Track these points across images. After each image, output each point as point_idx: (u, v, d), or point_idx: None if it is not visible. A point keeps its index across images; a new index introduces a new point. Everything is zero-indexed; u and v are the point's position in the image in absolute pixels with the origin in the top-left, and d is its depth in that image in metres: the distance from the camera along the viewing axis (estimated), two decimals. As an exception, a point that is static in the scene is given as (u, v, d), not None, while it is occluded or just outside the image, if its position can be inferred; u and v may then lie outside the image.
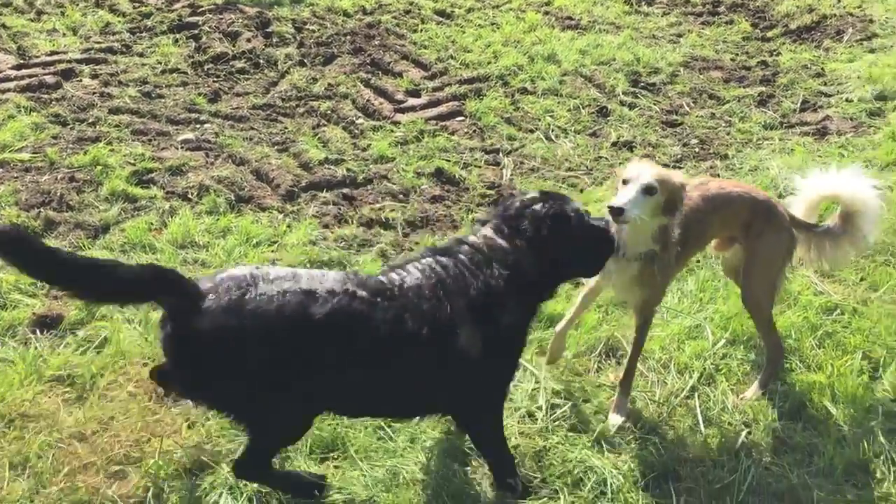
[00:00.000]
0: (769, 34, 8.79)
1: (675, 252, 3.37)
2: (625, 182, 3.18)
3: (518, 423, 3.38)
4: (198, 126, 6.31)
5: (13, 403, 3.37)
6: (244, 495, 2.96)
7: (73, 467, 3.09)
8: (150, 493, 2.99)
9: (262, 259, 4.54)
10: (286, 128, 6.42)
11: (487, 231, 2.99)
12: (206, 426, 3.33)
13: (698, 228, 3.48)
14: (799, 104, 6.98)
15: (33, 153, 5.59)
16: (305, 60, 7.72)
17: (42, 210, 4.87)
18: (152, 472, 3.06)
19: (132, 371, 3.61)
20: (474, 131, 6.48)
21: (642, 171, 3.17)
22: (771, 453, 3.31)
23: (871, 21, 8.74)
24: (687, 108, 7.03)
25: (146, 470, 3.07)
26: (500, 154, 6.10)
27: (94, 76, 7.07)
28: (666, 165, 5.93)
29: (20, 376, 3.51)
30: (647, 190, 3.11)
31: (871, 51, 8.01)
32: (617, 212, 3.04)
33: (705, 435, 3.39)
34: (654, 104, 7.08)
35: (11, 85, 6.70)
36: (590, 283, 3.62)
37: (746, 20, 9.13)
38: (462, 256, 2.91)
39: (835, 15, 8.96)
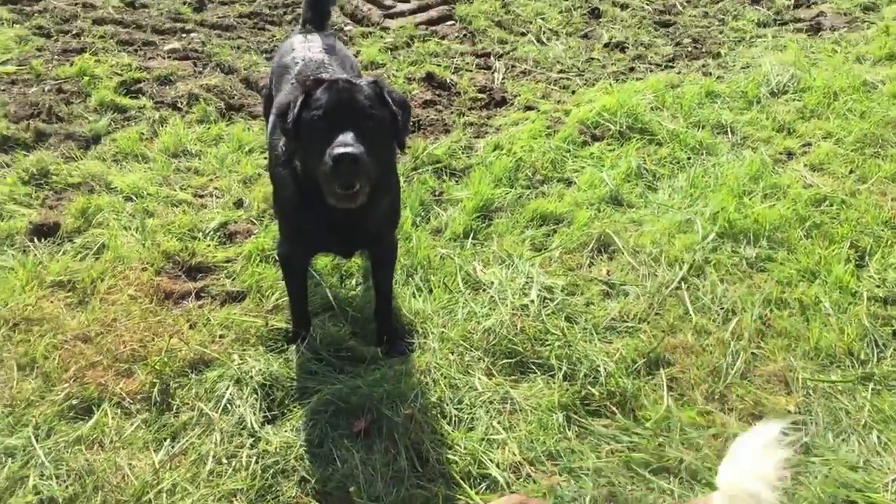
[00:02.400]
0: (764, -70, 8.58)
1: None
2: None
3: (511, 314, 3.45)
4: (184, 35, 6.22)
5: (16, 308, 3.42)
6: (249, 387, 3.05)
7: (79, 366, 3.16)
8: (156, 389, 3.08)
9: (256, 165, 4.55)
10: (274, 36, 6.33)
11: None
12: (208, 326, 3.40)
13: None
14: (793, 1, 6.88)
15: (18, 66, 5.53)
16: (291, -34, 7.54)
17: (31, 122, 4.83)
18: (158, 369, 3.14)
19: (132, 275, 3.66)
20: (465, 35, 6.40)
21: None
22: (758, 339, 3.41)
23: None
24: (680, 8, 6.92)
25: (152, 367, 3.15)
26: (492, 58, 6.04)
27: (76, -14, 6.91)
28: (658, 65, 5.91)
29: (21, 282, 3.56)
30: None
31: (868, -55, 7.84)
32: None
33: (695, 323, 3.48)
34: (647, 4, 6.97)
35: (-9, -3, 6.57)
36: None
37: (741, -84, 8.89)
38: None
39: None
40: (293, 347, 3.27)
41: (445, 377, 3.18)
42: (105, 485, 2.72)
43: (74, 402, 3.03)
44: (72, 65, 5.50)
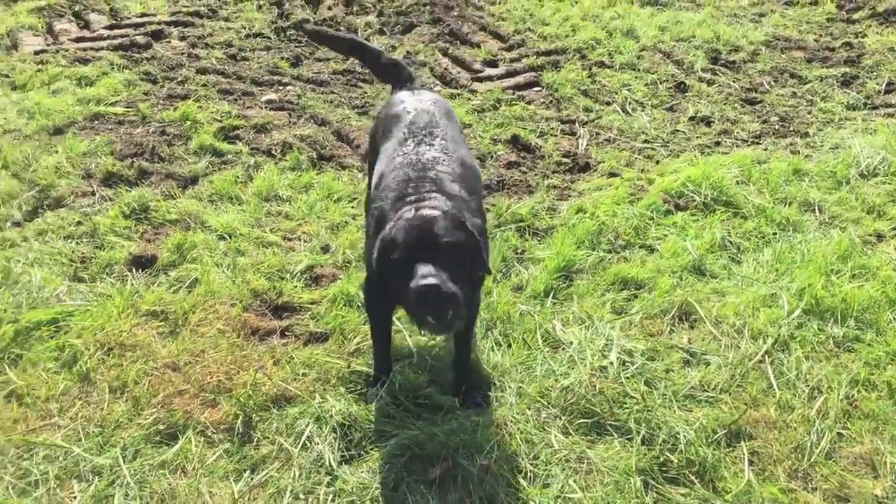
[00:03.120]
0: (855, 16, 8.57)
1: None
2: None
3: (590, 375, 3.44)
4: (281, 88, 6.49)
5: (111, 333, 3.57)
6: (328, 426, 3.10)
7: (168, 393, 3.27)
8: (239, 421, 3.15)
9: (343, 213, 4.69)
10: (365, 92, 6.56)
11: None
12: (291, 364, 3.48)
13: None
14: (884, 86, 6.82)
15: (126, 107, 5.85)
16: (385, 29, 7.86)
17: (135, 160, 5.10)
18: (242, 402, 3.22)
19: (221, 310, 3.79)
20: (551, 102, 6.52)
21: None
22: (844, 419, 3.31)
23: (964, 4, 8.46)
24: (767, 87, 6.93)
25: (236, 399, 3.23)
26: (577, 124, 6.13)
27: (182, 38, 7.33)
28: (744, 141, 5.91)
29: (118, 309, 3.71)
30: None
31: (963, 34, 7.77)
32: None
33: (778, 398, 3.40)
34: (734, 81, 7.00)
35: (105, 44, 7.01)
36: None
37: (832, 1, 8.92)
38: None
39: (926, -3, 8.69)
40: (373, 391, 3.31)
41: (522, 432, 3.18)
42: (186, 509, 2.79)
43: (161, 427, 3.13)
44: (175, 109, 5.80)
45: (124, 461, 2.97)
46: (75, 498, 2.84)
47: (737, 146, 5.81)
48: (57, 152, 5.12)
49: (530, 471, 3.02)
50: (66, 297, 3.82)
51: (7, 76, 6.24)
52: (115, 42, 7.03)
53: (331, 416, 3.15)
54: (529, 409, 3.31)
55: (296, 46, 7.40)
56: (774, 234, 4.57)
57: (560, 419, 3.27)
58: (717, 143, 5.86)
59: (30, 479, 2.89)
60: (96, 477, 2.92)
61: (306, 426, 3.12)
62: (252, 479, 2.94)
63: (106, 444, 3.06)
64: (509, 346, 3.69)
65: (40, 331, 3.60)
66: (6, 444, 3.02)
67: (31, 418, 3.17)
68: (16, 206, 4.58)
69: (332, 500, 2.85)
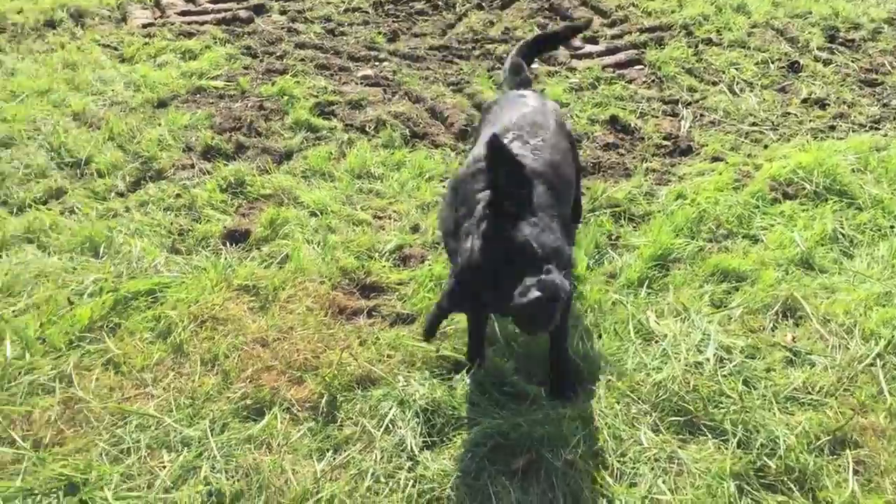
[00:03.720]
0: None
1: None
2: None
3: (684, 370, 3.29)
4: (377, 63, 6.47)
5: (205, 306, 3.63)
6: (412, 410, 3.07)
7: (256, 368, 3.30)
8: (324, 400, 3.16)
9: (434, 192, 4.63)
10: (461, 69, 6.46)
11: None
12: (377, 345, 3.46)
13: None
14: None
15: (227, 82, 5.93)
16: (483, 4, 7.73)
17: (233, 134, 5.17)
18: (327, 381, 3.22)
19: (310, 287, 3.80)
20: (653, 81, 6.28)
21: None
22: (963, 432, 3.08)
23: None
24: (889, 67, 6.48)
25: (322, 378, 3.24)
26: (680, 105, 5.88)
27: (283, 12, 7.39)
28: (862, 126, 5.55)
29: (212, 283, 3.77)
30: None
31: None
32: None
33: (889, 405, 3.18)
34: (852, 61, 6.58)
35: (209, 17, 7.13)
36: None
37: (965, -26, 8.28)
38: None
39: None
40: (458, 376, 3.26)
41: (609, 427, 3.08)
42: (269, 486, 2.81)
43: (248, 402, 3.16)
44: (273, 84, 5.85)
45: (212, 434, 3.01)
46: (164, 467, 2.89)
47: (853, 131, 5.46)
48: (160, 125, 5.25)
49: (617, 468, 2.92)
50: (164, 269, 3.91)
51: (116, 49, 6.43)
52: (219, 16, 7.15)
53: (414, 400, 3.12)
54: (618, 403, 3.20)
55: (393, 21, 7.36)
56: (892, 227, 4.27)
57: (650, 416, 3.15)
58: (832, 128, 5.52)
59: (122, 447, 2.97)
60: (185, 448, 2.97)
61: (389, 409, 3.10)
62: (334, 459, 2.94)
63: (196, 415, 3.12)
64: (599, 336, 3.57)
65: (138, 301, 3.69)
66: (102, 412, 3.11)
67: (127, 387, 3.25)
68: (120, 176, 4.71)
69: (413, 486, 2.82)
